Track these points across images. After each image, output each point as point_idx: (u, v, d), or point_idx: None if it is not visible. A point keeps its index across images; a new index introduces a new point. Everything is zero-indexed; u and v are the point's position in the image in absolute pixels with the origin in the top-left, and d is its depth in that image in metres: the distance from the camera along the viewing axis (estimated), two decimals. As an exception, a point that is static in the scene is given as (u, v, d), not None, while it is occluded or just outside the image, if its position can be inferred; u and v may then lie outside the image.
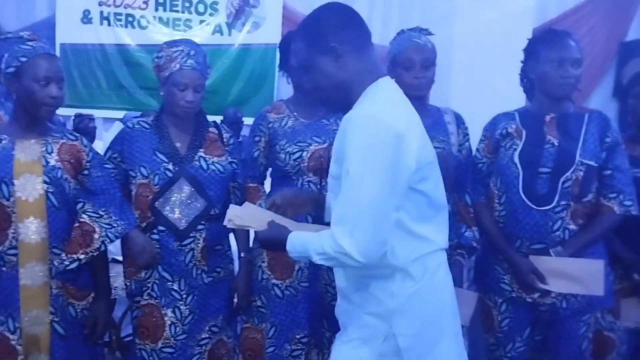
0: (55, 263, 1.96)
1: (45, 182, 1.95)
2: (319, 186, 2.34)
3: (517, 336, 2.35)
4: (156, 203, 2.15)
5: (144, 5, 6.37)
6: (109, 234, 2.03)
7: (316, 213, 1.92)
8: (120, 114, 6.05)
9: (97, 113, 5.86)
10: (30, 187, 1.93)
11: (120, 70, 6.41)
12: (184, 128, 2.24)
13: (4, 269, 1.92)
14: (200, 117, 2.27)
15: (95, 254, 2.01)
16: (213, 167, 2.22)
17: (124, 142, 2.22)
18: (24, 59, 1.90)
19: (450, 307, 1.67)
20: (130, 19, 6.34)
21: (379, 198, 1.44)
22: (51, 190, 1.95)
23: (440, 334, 1.61)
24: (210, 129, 2.29)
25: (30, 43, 1.93)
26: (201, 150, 2.22)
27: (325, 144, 2.35)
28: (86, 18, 6.26)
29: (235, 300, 2.34)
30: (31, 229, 1.93)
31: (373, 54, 1.62)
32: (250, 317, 2.43)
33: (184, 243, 2.17)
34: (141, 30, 6.36)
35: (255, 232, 1.75)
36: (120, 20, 6.35)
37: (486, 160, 2.36)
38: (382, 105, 1.50)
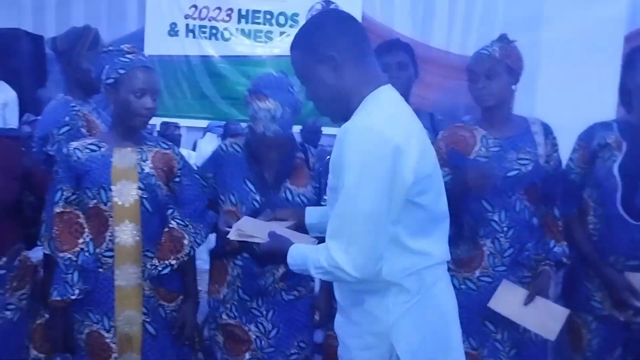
0: (149, 266, 2.04)
1: (140, 188, 2.02)
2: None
3: (607, 356, 2.24)
4: (229, 235, 2.16)
5: (227, 18, 6.58)
6: (197, 240, 2.10)
7: (297, 228, 1.84)
8: (204, 123, 6.26)
9: (182, 122, 6.07)
10: (126, 193, 2.01)
11: (204, 81, 6.65)
12: (273, 154, 2.23)
13: (100, 270, 2.01)
14: (289, 141, 2.26)
15: (185, 259, 2.08)
16: (298, 200, 2.21)
17: (217, 164, 2.26)
18: (122, 71, 1.99)
19: (452, 320, 1.60)
20: (214, 31, 6.56)
21: (375, 213, 1.40)
22: (145, 196, 2.03)
23: (445, 349, 1.56)
24: (298, 154, 2.29)
25: (129, 56, 2.03)
26: (288, 180, 2.22)
27: None
28: (173, 31, 6.54)
29: (317, 317, 2.34)
30: (126, 232, 2.02)
31: (373, 62, 1.56)
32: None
33: (265, 269, 2.20)
34: (224, 42, 6.58)
35: (258, 244, 1.73)
36: (204, 32, 6.59)
37: (580, 171, 2.27)
38: (380, 117, 1.44)
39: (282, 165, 2.23)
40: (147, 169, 2.05)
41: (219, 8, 6.57)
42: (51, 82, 6.24)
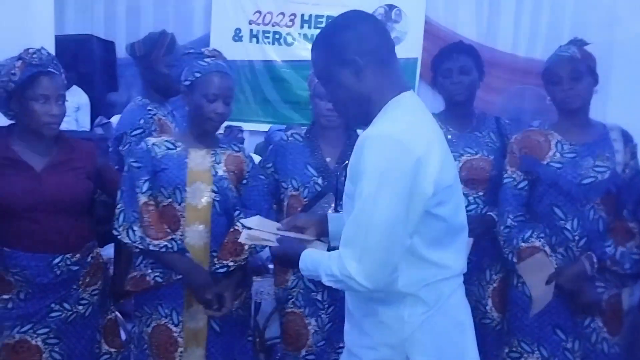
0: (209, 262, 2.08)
1: (213, 191, 2.07)
2: (470, 198, 2.29)
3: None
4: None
5: (290, 23, 6.64)
6: (257, 247, 2.11)
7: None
8: (266, 127, 6.33)
9: (245, 126, 6.15)
10: (199, 195, 2.05)
11: (267, 85, 6.72)
12: (334, 142, 2.29)
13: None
14: (350, 131, 2.31)
15: (242, 263, 2.11)
16: None
17: (277, 154, 2.31)
18: (198, 75, 2.03)
19: (468, 332, 1.55)
20: (277, 36, 6.63)
21: (391, 223, 1.35)
22: (217, 198, 2.07)
23: (462, 357, 1.52)
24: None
25: (207, 60, 2.06)
26: None
27: (478, 155, 2.30)
28: (237, 36, 6.64)
29: None
30: (196, 233, 2.06)
31: (396, 67, 1.51)
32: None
33: None
34: (287, 47, 6.63)
35: (270, 247, 1.71)
36: (268, 37, 6.67)
37: None
38: (402, 126, 1.39)
39: (344, 150, 2.26)
40: (220, 172, 2.09)
41: (283, 13, 6.63)
42: (122, 86, 6.47)
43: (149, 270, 2.05)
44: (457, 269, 1.53)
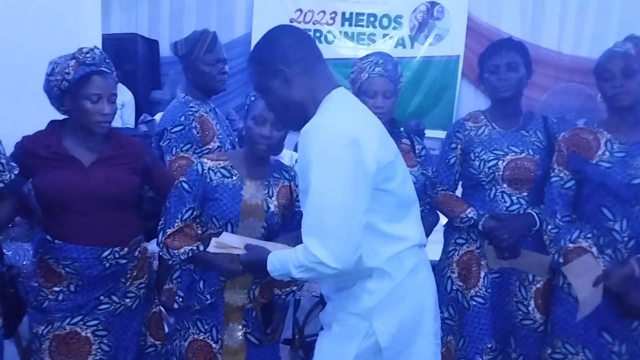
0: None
1: (263, 227, 2.01)
2: (513, 198, 2.26)
3: None
4: None
5: (331, 21, 6.65)
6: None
7: None
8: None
9: (285, 123, 6.19)
10: (250, 231, 1.99)
11: (307, 83, 6.75)
12: None
13: (213, 288, 2.01)
14: (393, 127, 2.30)
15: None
16: None
17: None
18: (252, 98, 1.99)
19: (431, 306, 1.66)
20: (318, 34, 6.65)
21: (344, 203, 1.44)
22: (266, 234, 2.01)
23: (418, 332, 1.61)
24: (403, 140, 2.32)
25: None
26: None
27: (523, 154, 2.26)
28: (278, 34, 6.70)
29: None
30: None
31: (323, 69, 1.62)
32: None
33: None
34: (327, 44, 6.65)
35: (238, 255, 1.79)
36: (308, 35, 6.70)
37: None
38: (335, 114, 1.52)
39: None
40: (272, 207, 2.02)
41: (323, 11, 6.65)
42: (165, 85, 6.58)
43: (178, 290, 2.07)
44: (416, 239, 1.64)
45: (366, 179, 1.47)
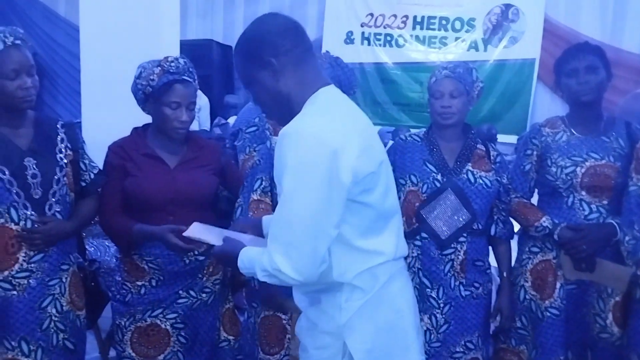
0: None
1: None
2: (592, 206, 2.19)
3: None
4: (422, 210, 2.22)
5: (402, 25, 6.64)
6: None
7: None
8: (375, 129, 6.37)
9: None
10: None
11: (377, 87, 6.76)
12: (453, 140, 2.28)
13: None
14: (467, 132, 2.30)
15: None
16: (480, 181, 2.22)
17: (396, 153, 2.33)
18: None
19: (409, 318, 1.56)
20: (388, 38, 6.66)
21: (313, 215, 1.38)
22: None
23: (403, 346, 1.53)
24: (478, 146, 2.30)
25: None
26: (469, 164, 2.24)
27: (603, 161, 2.18)
28: (349, 39, 6.74)
29: (497, 319, 2.29)
30: None
31: (314, 65, 1.54)
32: (507, 338, 2.37)
33: (444, 252, 2.20)
34: (398, 48, 6.64)
35: (212, 247, 1.69)
36: (379, 39, 6.71)
37: None
38: (317, 119, 1.43)
39: (462, 151, 2.27)
40: None
41: (395, 15, 6.65)
42: (239, 89, 6.76)
43: None
44: (392, 253, 1.54)
45: (340, 192, 1.40)
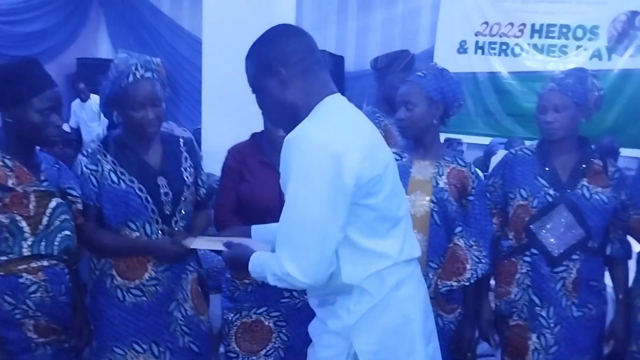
0: (431, 277, 2.11)
1: (432, 201, 2.11)
2: None
3: None
4: (532, 225, 2.15)
5: (519, 33, 6.43)
6: (478, 270, 2.11)
7: None
8: (486, 140, 6.20)
9: (464, 138, 6.11)
10: (418, 204, 2.12)
11: (489, 97, 6.59)
12: (567, 156, 2.18)
13: None
14: (584, 146, 2.19)
15: (465, 284, 2.12)
16: (596, 197, 2.11)
17: (506, 167, 2.28)
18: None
19: (418, 324, 1.58)
20: (504, 47, 6.47)
21: (319, 219, 1.42)
22: (436, 209, 2.11)
23: (408, 350, 1.55)
24: (595, 160, 2.19)
25: None
26: (584, 179, 2.14)
27: None
28: (462, 48, 6.63)
29: (611, 343, 2.17)
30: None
31: (320, 74, 1.56)
32: (622, 363, 2.24)
33: (555, 270, 2.11)
34: (514, 57, 6.44)
35: (222, 254, 1.72)
36: (494, 49, 6.54)
37: None
38: (320, 125, 1.46)
39: (577, 165, 2.17)
40: (441, 184, 2.13)
41: (511, 24, 6.46)
42: (349, 98, 6.85)
43: None
44: (399, 256, 1.56)
45: (344, 195, 1.43)
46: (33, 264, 1.84)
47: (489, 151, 5.84)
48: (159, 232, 2.04)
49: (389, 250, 1.55)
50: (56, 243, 1.89)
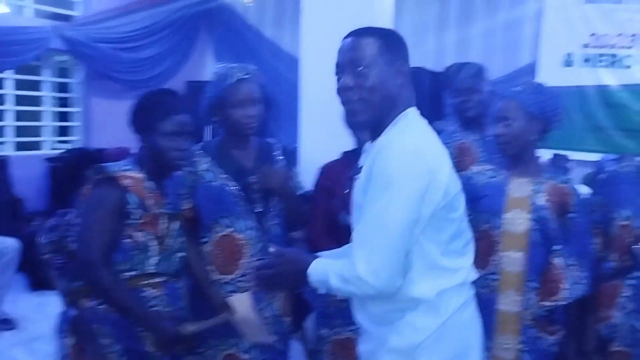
0: (532, 297, 2.03)
1: (531, 219, 2.05)
2: None
3: None
4: (635, 247, 2.03)
5: (630, 44, 6.08)
6: (575, 290, 2.01)
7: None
8: (596, 156, 5.88)
9: (572, 155, 5.82)
10: (517, 222, 2.07)
11: (598, 112, 6.26)
12: None
13: (482, 291, 2.07)
14: None
15: (561, 304, 2.03)
16: None
17: (609, 185, 2.18)
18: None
19: (476, 347, 1.60)
20: (613, 58, 6.14)
21: (402, 229, 1.43)
22: (535, 227, 2.05)
23: None
24: None
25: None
26: None
27: None
28: (568, 61, 6.35)
29: None
30: (513, 260, 2.06)
31: (410, 85, 1.59)
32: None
33: None
34: (625, 69, 6.09)
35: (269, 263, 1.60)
36: (602, 61, 6.22)
37: None
38: (415, 136, 1.49)
39: None
40: (540, 201, 2.07)
41: (622, 34, 6.12)
42: (448, 116, 6.75)
43: None
44: (468, 276, 1.60)
45: (428, 208, 1.46)
46: (157, 279, 1.97)
47: (600, 168, 5.53)
48: (251, 229, 2.11)
49: (461, 269, 1.59)
50: (175, 262, 2.02)
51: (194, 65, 7.85)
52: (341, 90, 1.57)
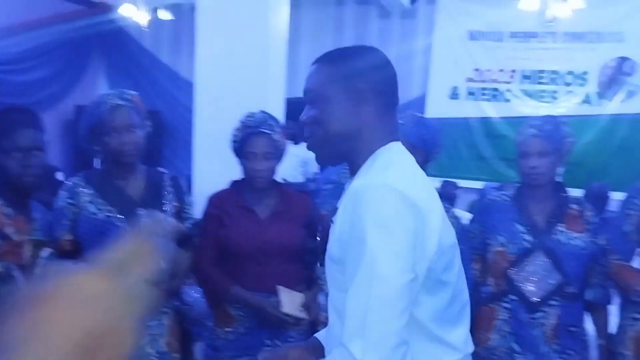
0: None
1: None
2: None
3: None
4: (510, 271, 2.15)
5: (510, 79, 6.53)
6: None
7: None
8: (480, 184, 6.22)
9: (460, 182, 6.12)
10: None
11: (482, 142, 6.65)
12: (543, 200, 2.21)
13: None
14: (560, 191, 2.22)
15: None
16: (573, 242, 2.13)
17: (484, 213, 2.30)
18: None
19: None
20: (495, 92, 6.57)
21: (400, 287, 1.14)
22: None
23: None
24: (572, 205, 2.21)
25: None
26: (561, 224, 2.16)
27: None
28: (454, 94, 6.72)
29: None
30: None
31: (394, 116, 1.34)
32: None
33: (534, 316, 2.11)
34: (505, 103, 6.53)
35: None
36: (485, 94, 6.64)
37: None
38: (400, 175, 1.22)
39: (554, 211, 2.19)
40: None
41: (502, 70, 6.57)
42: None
43: None
44: (466, 348, 1.33)
45: (424, 261, 1.19)
46: None
47: (481, 195, 5.84)
48: None
49: (458, 340, 1.32)
50: None
51: (85, 89, 7.57)
52: (302, 124, 1.37)
